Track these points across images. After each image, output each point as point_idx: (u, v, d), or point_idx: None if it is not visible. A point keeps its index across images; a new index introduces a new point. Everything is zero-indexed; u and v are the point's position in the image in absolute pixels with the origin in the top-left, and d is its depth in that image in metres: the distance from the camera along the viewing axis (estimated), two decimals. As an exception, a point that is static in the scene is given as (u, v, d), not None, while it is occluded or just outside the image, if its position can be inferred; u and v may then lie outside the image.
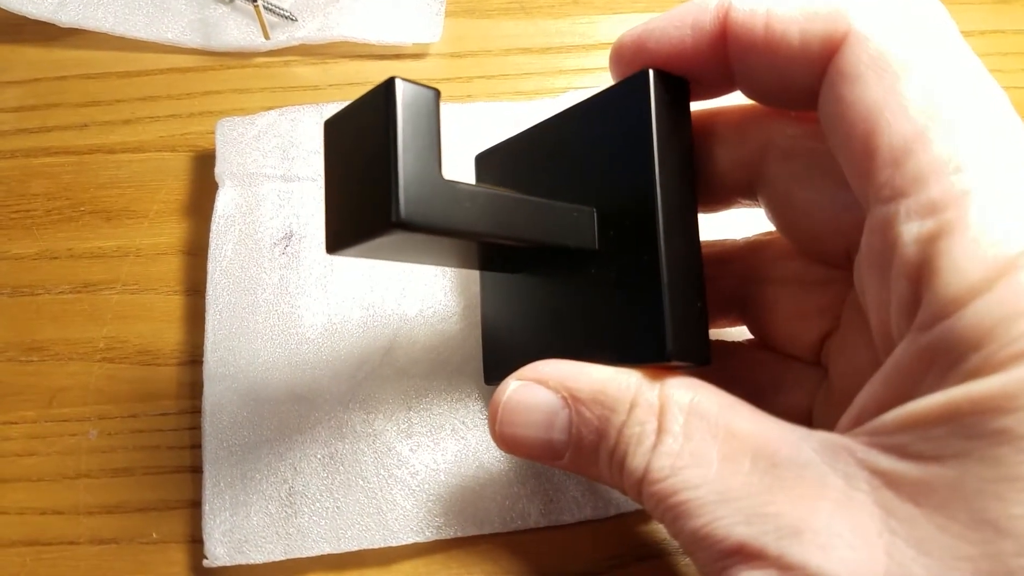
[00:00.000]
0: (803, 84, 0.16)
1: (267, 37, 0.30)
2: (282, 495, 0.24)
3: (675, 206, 0.17)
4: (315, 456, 0.24)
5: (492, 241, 0.18)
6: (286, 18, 0.31)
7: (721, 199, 0.21)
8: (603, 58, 0.31)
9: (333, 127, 0.18)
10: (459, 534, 0.23)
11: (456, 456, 0.24)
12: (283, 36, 0.30)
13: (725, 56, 0.17)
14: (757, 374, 0.21)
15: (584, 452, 0.17)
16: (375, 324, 0.26)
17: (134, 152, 0.29)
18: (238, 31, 0.31)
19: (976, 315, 0.13)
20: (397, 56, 0.31)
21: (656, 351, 0.17)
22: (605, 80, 0.30)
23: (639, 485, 0.16)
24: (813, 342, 0.20)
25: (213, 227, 0.27)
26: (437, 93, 0.16)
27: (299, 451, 0.24)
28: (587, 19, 0.32)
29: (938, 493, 0.13)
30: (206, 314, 0.25)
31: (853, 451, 0.14)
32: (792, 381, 0.21)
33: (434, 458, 0.24)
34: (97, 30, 0.30)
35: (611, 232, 0.19)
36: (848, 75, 0.15)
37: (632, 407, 0.17)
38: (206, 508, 0.23)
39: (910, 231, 0.14)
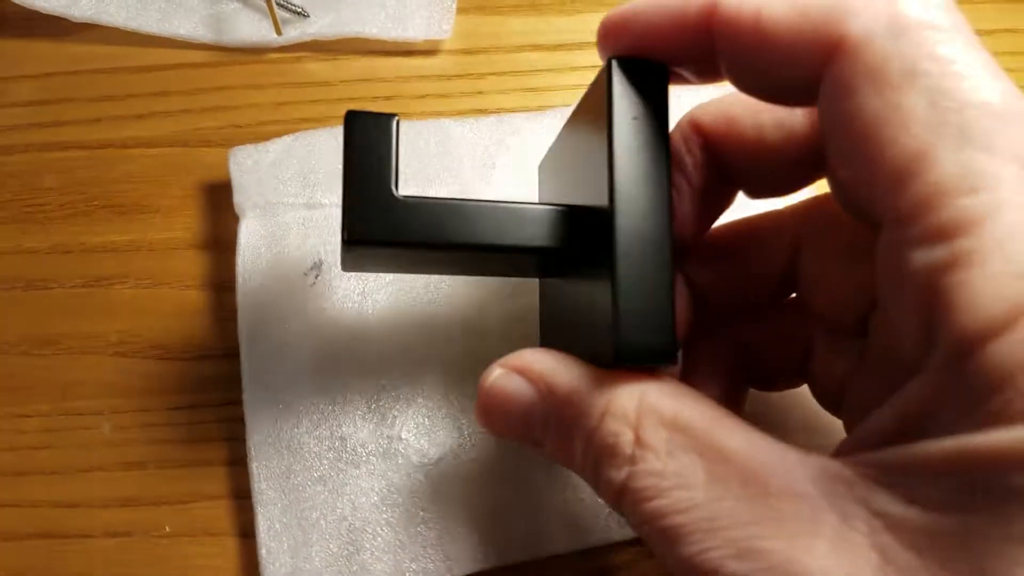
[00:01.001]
0: (797, 87, 0.15)
1: (279, 33, 0.30)
2: (342, 532, 0.23)
3: (634, 204, 0.17)
4: (372, 490, 0.24)
5: (451, 250, 0.19)
6: (298, 14, 0.31)
7: (805, 173, 0.20)
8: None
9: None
10: (522, 558, 0.23)
11: (515, 477, 0.24)
12: (295, 32, 0.30)
13: (711, 49, 0.16)
14: (796, 337, 0.21)
15: (561, 449, 0.17)
16: (417, 349, 0.25)
17: (147, 147, 0.29)
18: (250, 27, 0.31)
19: (994, 357, 0.12)
20: (408, 53, 0.31)
21: (612, 352, 0.16)
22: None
23: (617, 496, 0.15)
24: (859, 314, 0.19)
25: (239, 260, 0.26)
26: (393, 118, 0.19)
27: (354, 485, 0.24)
28: (598, 16, 0.32)
29: (941, 544, 0.12)
30: (241, 353, 0.25)
31: (853, 485, 0.13)
32: (832, 349, 0.20)
33: (491, 482, 0.24)
34: (110, 25, 0.30)
35: (585, 230, 0.19)
36: (844, 87, 0.14)
37: (604, 415, 0.16)
38: (263, 552, 0.23)
39: (918, 260, 0.13)
